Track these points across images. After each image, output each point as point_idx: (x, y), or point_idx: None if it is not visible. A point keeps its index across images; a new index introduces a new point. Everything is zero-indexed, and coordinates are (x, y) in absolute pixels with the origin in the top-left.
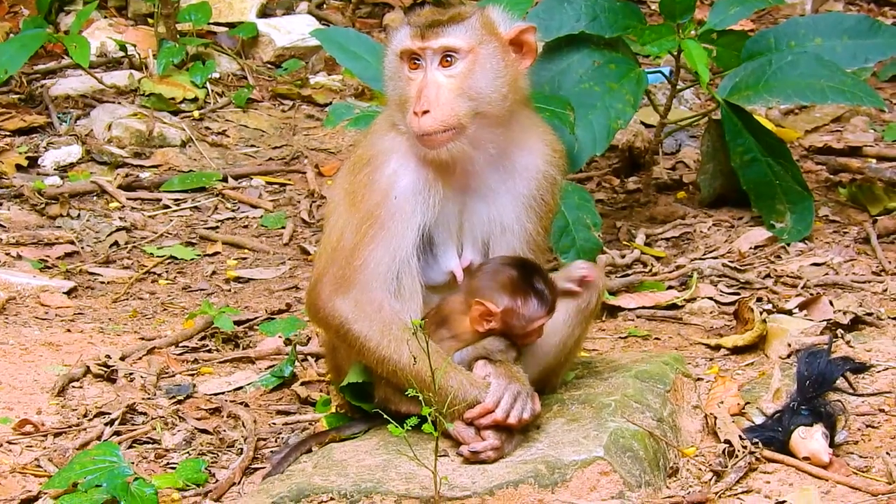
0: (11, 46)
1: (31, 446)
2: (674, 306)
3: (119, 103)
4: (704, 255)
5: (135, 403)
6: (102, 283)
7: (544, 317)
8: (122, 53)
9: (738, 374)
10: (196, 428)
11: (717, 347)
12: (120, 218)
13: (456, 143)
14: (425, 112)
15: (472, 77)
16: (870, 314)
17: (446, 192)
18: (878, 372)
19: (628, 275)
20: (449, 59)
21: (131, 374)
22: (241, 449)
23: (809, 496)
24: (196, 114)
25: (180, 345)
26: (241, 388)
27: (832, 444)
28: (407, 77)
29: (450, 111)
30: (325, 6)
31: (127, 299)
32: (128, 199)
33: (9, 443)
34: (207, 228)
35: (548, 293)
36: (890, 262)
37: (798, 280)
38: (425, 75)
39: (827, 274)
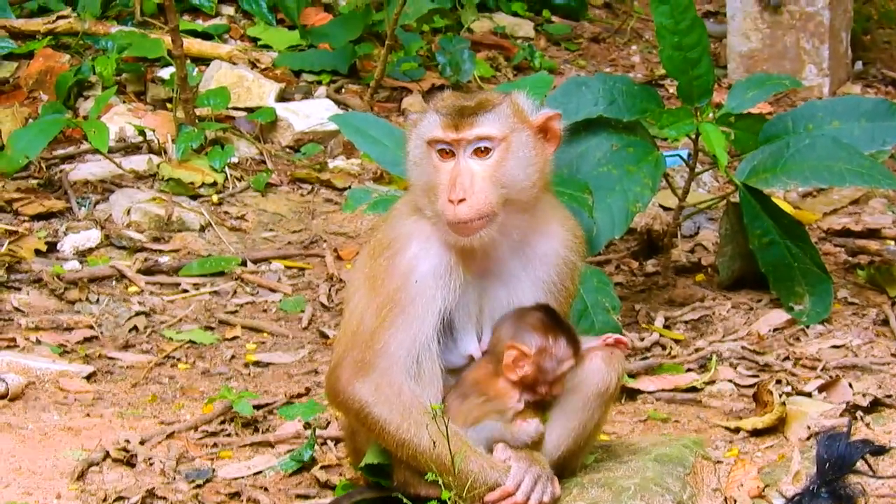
0: (30, 132)
1: None
2: (693, 389)
3: (138, 188)
4: (723, 337)
5: (154, 488)
6: (122, 367)
7: (572, 358)
8: (140, 138)
9: (757, 457)
10: None
11: (737, 430)
12: (139, 302)
13: (487, 230)
14: (461, 200)
15: (505, 165)
16: (889, 396)
17: (467, 277)
18: None
19: (647, 358)
20: (482, 147)
21: (151, 458)
22: None
23: None
24: (215, 198)
25: (200, 429)
26: (260, 472)
27: None
28: (435, 164)
29: (485, 199)
30: (343, 91)
31: (146, 384)
32: (147, 283)
33: None
34: (227, 313)
35: (574, 333)
36: None
37: (817, 362)
38: (458, 163)
39: (846, 356)
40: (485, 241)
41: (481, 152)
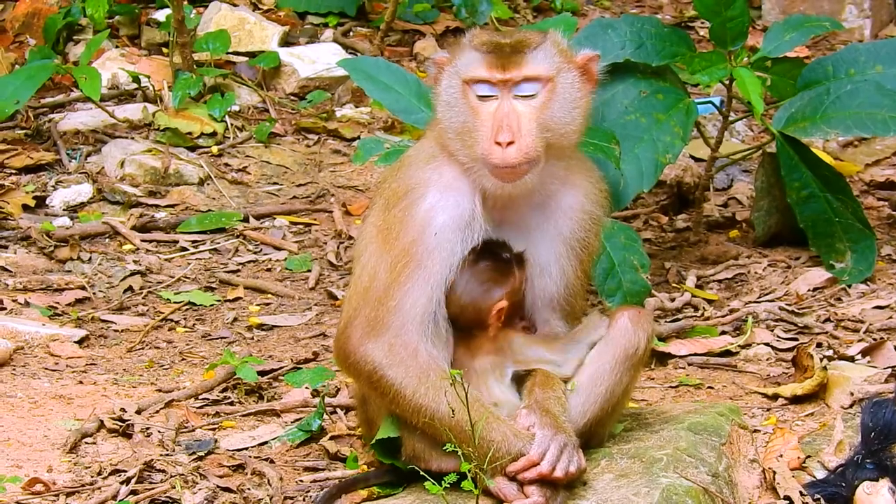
0: (17, 78)
1: None
2: (728, 353)
3: (132, 139)
4: (760, 297)
5: (152, 460)
6: (116, 331)
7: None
8: (135, 85)
9: (797, 426)
10: (218, 486)
11: (775, 397)
12: (134, 261)
13: (530, 176)
14: (510, 143)
15: (551, 107)
16: None
17: (487, 229)
18: None
19: (678, 319)
20: (526, 88)
21: (148, 428)
22: None
23: None
24: (214, 149)
25: (200, 397)
26: (265, 443)
27: None
28: (474, 106)
29: (532, 142)
30: (351, 34)
31: (142, 348)
32: (142, 241)
33: (18, 503)
34: (228, 272)
35: (500, 265)
36: None
37: (860, 324)
38: (502, 104)
39: (891, 317)
40: (528, 186)
41: (524, 93)
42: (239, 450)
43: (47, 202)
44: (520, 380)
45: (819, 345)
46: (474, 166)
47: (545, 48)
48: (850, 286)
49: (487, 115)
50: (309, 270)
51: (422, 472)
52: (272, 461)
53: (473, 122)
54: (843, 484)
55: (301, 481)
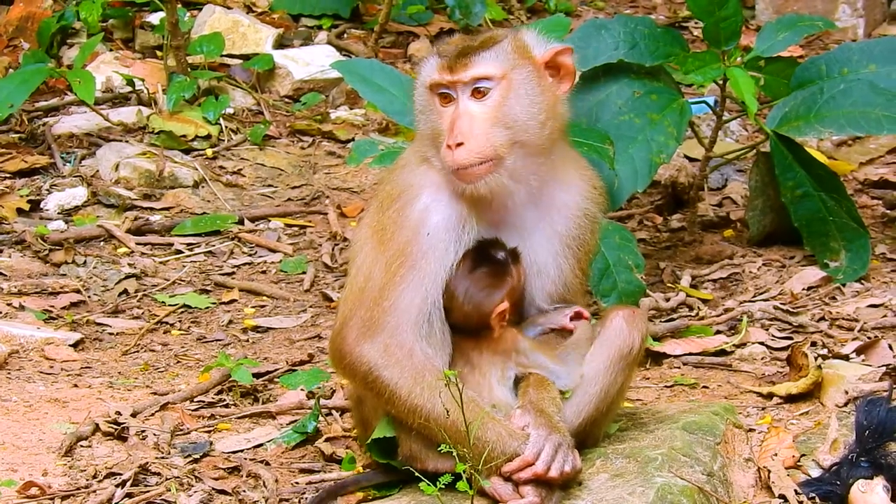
0: (11, 82)
1: None
2: (722, 352)
3: (127, 142)
4: (754, 297)
5: (148, 463)
6: (111, 334)
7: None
8: (129, 88)
9: (792, 424)
10: (214, 489)
11: (770, 396)
12: (129, 264)
13: (494, 175)
14: (459, 144)
15: (506, 104)
16: None
17: (480, 230)
18: None
19: (673, 319)
20: (481, 88)
21: (143, 431)
22: None
23: None
24: (209, 152)
25: (195, 400)
26: (261, 445)
27: (894, 498)
28: (438, 110)
29: (485, 142)
30: (345, 36)
31: (138, 351)
32: (137, 244)
33: None
34: (223, 274)
35: (487, 273)
36: None
37: (854, 323)
38: (457, 106)
39: (885, 316)
40: (492, 187)
41: (480, 93)
42: (234, 452)
43: (42, 206)
44: (517, 382)
45: (814, 343)
46: (445, 170)
47: (500, 47)
48: (844, 285)
49: (447, 119)
50: (304, 272)
51: (417, 473)
52: (268, 463)
53: (439, 127)
54: (838, 482)
55: (297, 483)
